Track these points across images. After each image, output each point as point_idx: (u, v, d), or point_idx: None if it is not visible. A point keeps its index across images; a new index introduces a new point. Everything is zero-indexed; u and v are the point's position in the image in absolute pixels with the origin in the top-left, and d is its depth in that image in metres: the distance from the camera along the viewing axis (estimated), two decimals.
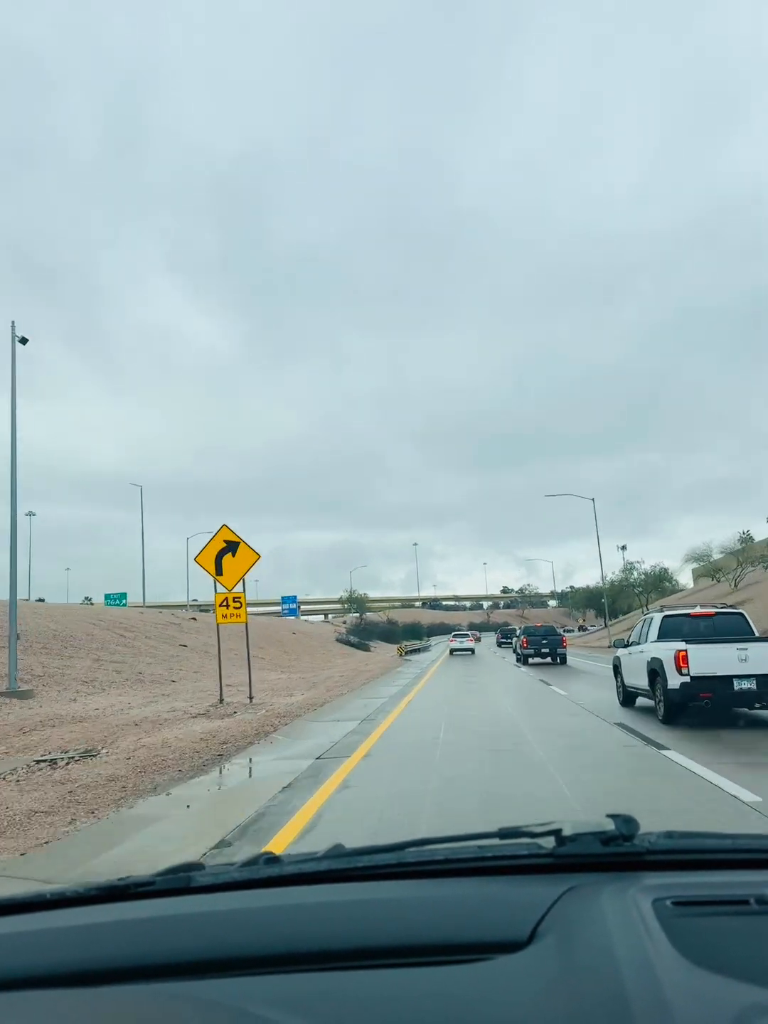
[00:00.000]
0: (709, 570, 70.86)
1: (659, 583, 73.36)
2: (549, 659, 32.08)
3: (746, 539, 64.45)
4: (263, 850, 4.20)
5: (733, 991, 0.85)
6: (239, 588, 17.24)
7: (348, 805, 6.66)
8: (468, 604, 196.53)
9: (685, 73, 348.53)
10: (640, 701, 13.37)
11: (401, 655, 51.09)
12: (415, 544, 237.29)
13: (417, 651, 59.85)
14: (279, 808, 6.59)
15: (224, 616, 17.23)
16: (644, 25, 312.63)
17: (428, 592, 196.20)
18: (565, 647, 32.31)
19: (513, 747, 9.35)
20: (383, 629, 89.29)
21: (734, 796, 6.32)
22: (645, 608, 66.96)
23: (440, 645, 76.31)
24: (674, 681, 10.66)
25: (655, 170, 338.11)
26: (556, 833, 1.25)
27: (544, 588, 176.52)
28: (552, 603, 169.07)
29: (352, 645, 64.39)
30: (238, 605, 17.24)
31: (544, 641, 32.13)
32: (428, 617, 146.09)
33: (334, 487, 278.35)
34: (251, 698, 17.29)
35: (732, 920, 1.03)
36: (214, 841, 5.60)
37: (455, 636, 53.37)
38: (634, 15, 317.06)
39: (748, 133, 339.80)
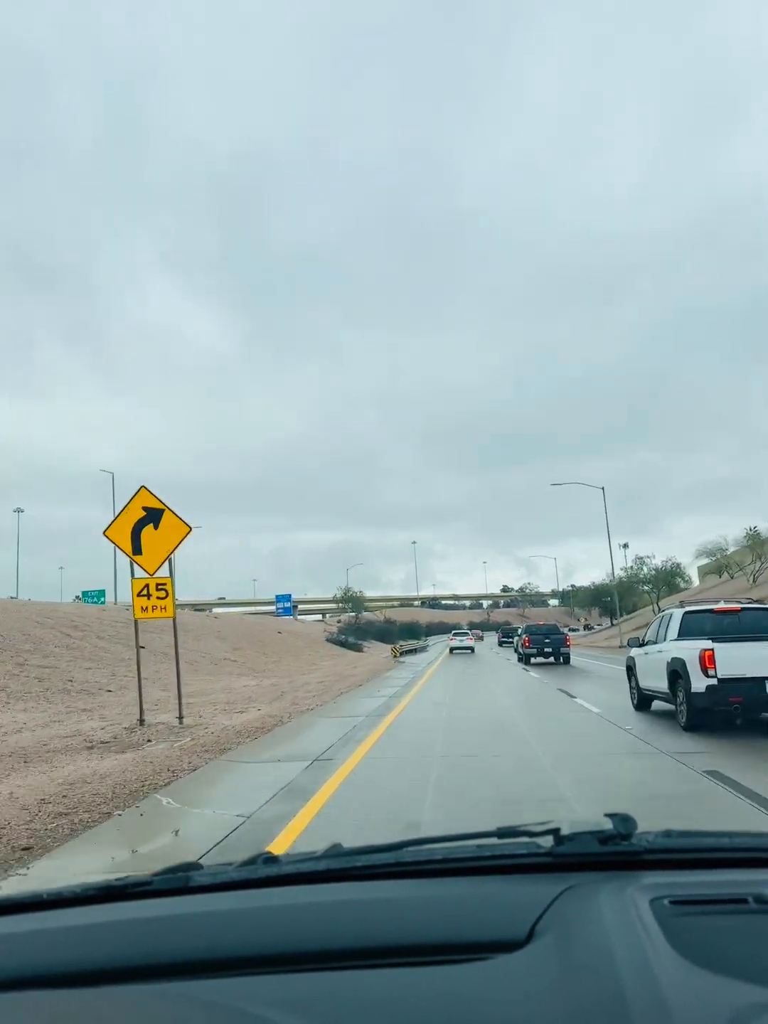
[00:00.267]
0: (721, 566, 67.28)
1: (671, 579, 69.20)
2: (552, 659, 31.04)
3: (753, 535, 61.79)
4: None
5: (731, 990, 0.84)
6: (164, 571, 12.92)
7: None
8: (468, 603, 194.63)
9: (685, 73, 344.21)
10: (656, 705, 12.42)
11: (395, 656, 46.43)
12: (414, 542, 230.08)
13: (414, 652, 55.18)
14: None
15: (143, 609, 12.90)
16: (644, 25, 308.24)
17: (427, 591, 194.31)
18: (568, 646, 31.43)
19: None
20: (378, 628, 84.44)
21: None
22: (656, 606, 63.32)
23: (439, 645, 72.85)
24: (699, 684, 9.79)
25: (655, 170, 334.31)
26: (554, 832, 1.24)
27: (545, 587, 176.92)
28: (553, 602, 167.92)
29: (342, 645, 59.53)
30: (164, 594, 12.91)
31: (547, 640, 31.20)
32: (427, 616, 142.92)
33: (334, 487, 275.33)
34: (181, 718, 13.00)
35: (730, 919, 1.03)
36: None
37: (455, 634, 53.18)
38: (634, 15, 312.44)
39: (748, 133, 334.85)
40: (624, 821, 1.22)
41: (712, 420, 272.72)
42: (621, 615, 61.60)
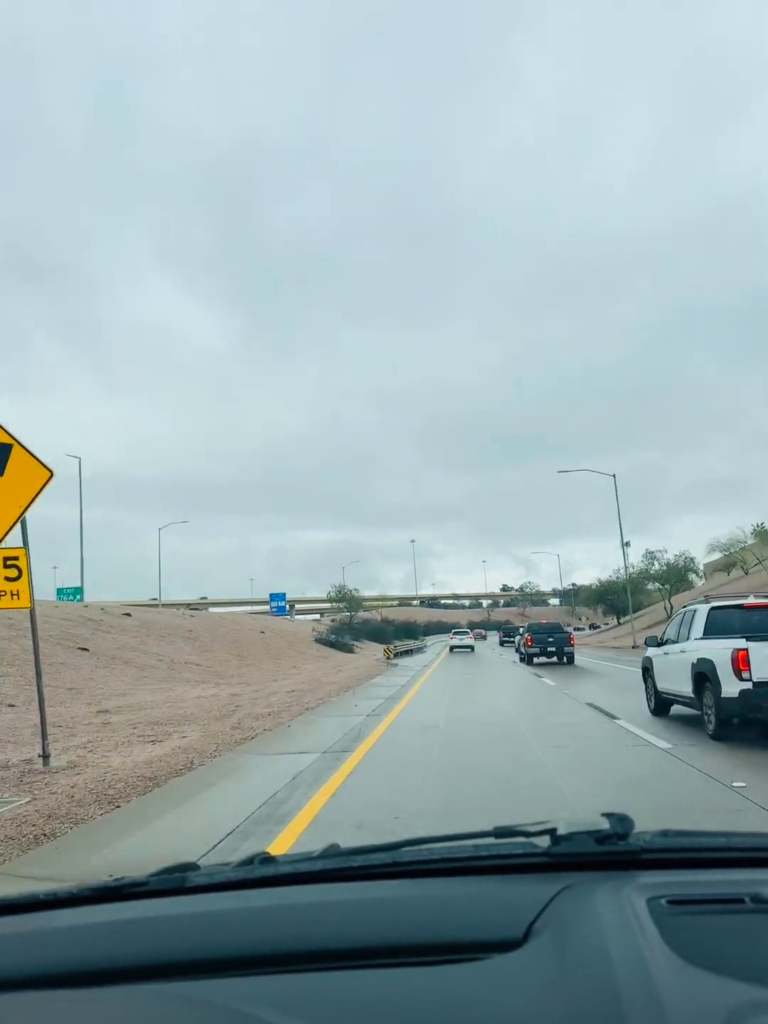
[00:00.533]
0: (730, 562, 63.22)
1: (684, 575, 64.95)
2: (555, 658, 30.17)
3: (760, 530, 58.55)
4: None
5: (727, 990, 0.84)
6: (15, 539, 8.61)
7: None
8: (467, 603, 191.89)
9: (685, 72, 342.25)
10: (676, 709, 11.47)
11: (388, 658, 42.05)
12: (412, 541, 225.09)
13: (410, 653, 50.69)
14: None
15: None
16: (644, 24, 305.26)
17: (427, 591, 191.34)
18: (572, 645, 30.63)
19: None
20: (373, 628, 79.76)
21: None
22: (668, 603, 59.12)
23: (438, 645, 68.74)
24: (730, 688, 8.79)
25: (655, 168, 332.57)
26: (551, 832, 1.23)
27: (545, 586, 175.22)
28: (553, 601, 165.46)
29: (332, 646, 54.91)
30: (15, 573, 8.58)
31: (550, 639, 30.35)
32: (426, 616, 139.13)
33: (333, 486, 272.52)
34: (45, 757, 8.69)
35: (727, 919, 1.02)
36: None
37: (455, 634, 52.08)
38: (634, 14, 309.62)
39: (748, 132, 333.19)
40: (621, 821, 1.22)
41: (711, 419, 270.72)
42: (627, 614, 57.45)
